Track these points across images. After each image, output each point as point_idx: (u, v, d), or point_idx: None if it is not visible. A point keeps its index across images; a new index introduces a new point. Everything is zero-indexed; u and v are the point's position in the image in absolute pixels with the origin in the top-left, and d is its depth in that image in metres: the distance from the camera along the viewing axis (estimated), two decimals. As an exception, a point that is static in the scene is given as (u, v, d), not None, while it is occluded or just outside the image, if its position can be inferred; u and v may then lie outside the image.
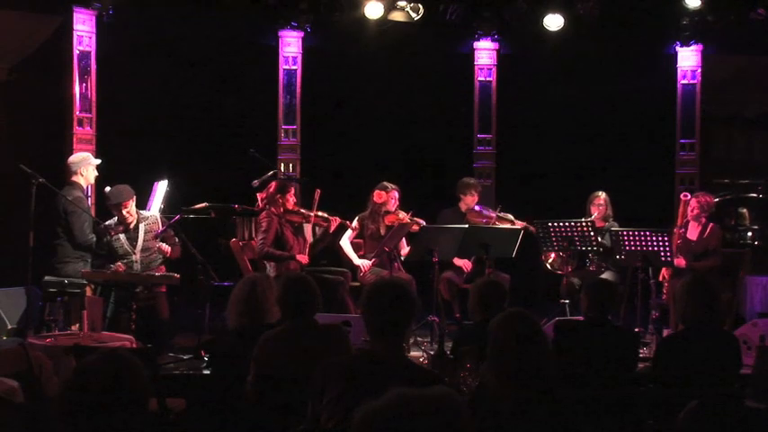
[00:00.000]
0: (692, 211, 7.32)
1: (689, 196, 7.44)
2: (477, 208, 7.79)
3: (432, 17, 8.97)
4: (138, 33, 8.52)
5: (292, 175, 8.88)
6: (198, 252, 6.58)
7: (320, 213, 7.21)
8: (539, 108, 9.45)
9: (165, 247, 6.79)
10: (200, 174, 8.42)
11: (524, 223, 7.59)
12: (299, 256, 7.09)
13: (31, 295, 6.59)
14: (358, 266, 7.46)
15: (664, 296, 7.17)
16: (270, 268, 7.15)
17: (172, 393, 4.65)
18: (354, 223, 7.58)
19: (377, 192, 7.55)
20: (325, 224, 7.26)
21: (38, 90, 8.10)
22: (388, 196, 7.53)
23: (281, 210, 7.16)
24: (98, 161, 7.05)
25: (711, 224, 7.44)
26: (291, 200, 7.23)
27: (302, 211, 7.24)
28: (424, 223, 7.48)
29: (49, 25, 8.20)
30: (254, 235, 7.46)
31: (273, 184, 7.33)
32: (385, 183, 7.60)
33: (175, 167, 7.68)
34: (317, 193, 7.22)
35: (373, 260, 7.42)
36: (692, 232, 7.36)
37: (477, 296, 4.87)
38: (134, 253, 6.74)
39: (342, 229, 7.50)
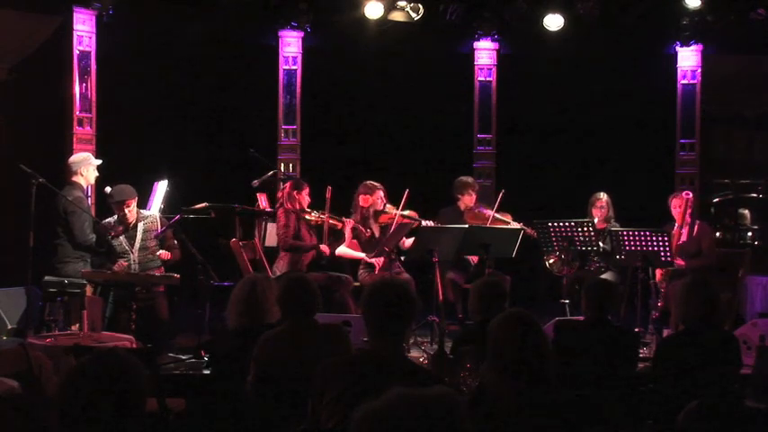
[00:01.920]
0: (675, 208, 7.34)
1: (690, 194, 7.42)
2: (477, 208, 7.79)
3: (432, 17, 8.98)
4: (138, 33, 8.52)
5: (292, 174, 8.88)
6: (198, 252, 6.59)
7: (333, 216, 7.24)
8: (539, 108, 9.45)
9: (165, 253, 6.80)
10: (200, 174, 8.41)
11: (521, 224, 7.56)
12: (321, 247, 7.16)
13: (31, 295, 6.59)
14: (368, 262, 7.43)
15: (660, 302, 7.14)
16: (282, 264, 7.17)
17: (172, 393, 4.65)
18: (347, 232, 7.52)
19: (362, 196, 7.50)
20: (340, 225, 7.29)
21: (38, 90, 8.10)
22: (373, 198, 7.50)
23: (298, 207, 7.18)
24: (99, 161, 7.04)
25: (698, 222, 7.49)
26: (306, 199, 7.25)
27: (317, 214, 7.25)
28: (416, 216, 7.46)
29: (49, 25, 8.20)
30: (258, 236, 7.49)
31: (289, 183, 7.36)
32: (367, 183, 7.53)
33: (175, 167, 7.68)
34: (329, 190, 7.22)
35: (382, 258, 7.38)
36: (682, 233, 7.38)
37: (478, 296, 4.86)
38: (132, 252, 6.74)
39: (355, 231, 7.50)
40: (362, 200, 7.50)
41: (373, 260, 7.43)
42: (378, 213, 7.51)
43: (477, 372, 3.74)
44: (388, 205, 7.52)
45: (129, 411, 2.37)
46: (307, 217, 7.24)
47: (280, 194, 7.37)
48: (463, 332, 5.80)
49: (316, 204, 7.37)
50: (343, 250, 7.52)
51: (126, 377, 2.39)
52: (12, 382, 4.03)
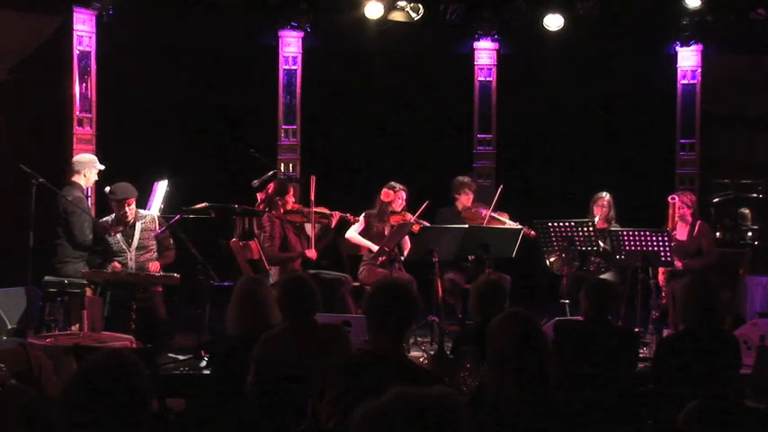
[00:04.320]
0: (678, 210, 7.35)
1: (676, 199, 7.44)
2: (472, 207, 7.80)
3: (432, 17, 8.97)
4: (138, 33, 8.52)
5: (292, 174, 8.89)
6: (198, 252, 6.58)
7: (319, 210, 7.19)
8: (539, 108, 9.45)
9: (155, 265, 6.72)
10: (201, 174, 8.41)
11: (519, 224, 7.55)
12: (306, 252, 7.09)
13: (31, 295, 6.59)
14: (382, 249, 7.42)
15: (663, 300, 7.16)
16: (274, 271, 7.14)
17: (172, 393, 4.65)
18: (361, 219, 7.57)
19: (384, 191, 7.54)
20: (326, 220, 7.25)
21: (38, 90, 8.09)
22: (395, 196, 7.53)
23: (281, 211, 7.15)
24: (102, 167, 7.04)
25: (699, 221, 7.50)
26: (291, 200, 7.22)
27: (302, 210, 7.22)
28: (429, 225, 7.46)
29: (49, 25, 8.20)
30: (256, 236, 7.48)
31: (272, 186, 7.32)
32: (393, 182, 7.59)
33: (175, 167, 7.68)
34: (312, 179, 7.17)
35: (382, 257, 7.39)
36: (681, 232, 7.40)
37: (477, 297, 4.87)
38: (129, 251, 6.73)
39: (342, 224, 7.48)
40: (384, 194, 7.54)
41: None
42: (392, 213, 7.53)
43: (477, 372, 3.74)
44: (408, 214, 7.53)
45: (135, 411, 2.38)
46: (291, 219, 7.19)
47: (263, 195, 7.32)
48: (463, 332, 5.79)
49: (305, 201, 7.34)
50: (353, 236, 7.52)
51: (132, 378, 2.39)
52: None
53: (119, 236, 6.72)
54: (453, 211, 7.89)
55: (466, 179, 8.03)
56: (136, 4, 8.42)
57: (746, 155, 10.04)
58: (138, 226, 6.78)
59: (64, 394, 2.40)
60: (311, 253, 7.11)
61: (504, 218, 7.69)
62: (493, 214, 7.65)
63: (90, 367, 2.42)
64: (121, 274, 6.52)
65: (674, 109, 9.45)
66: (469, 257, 7.74)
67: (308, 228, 7.25)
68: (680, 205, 7.38)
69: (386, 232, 7.49)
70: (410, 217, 7.47)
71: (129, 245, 6.75)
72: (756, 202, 8.95)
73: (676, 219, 7.39)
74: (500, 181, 9.34)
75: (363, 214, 7.59)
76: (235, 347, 4.35)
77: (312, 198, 7.14)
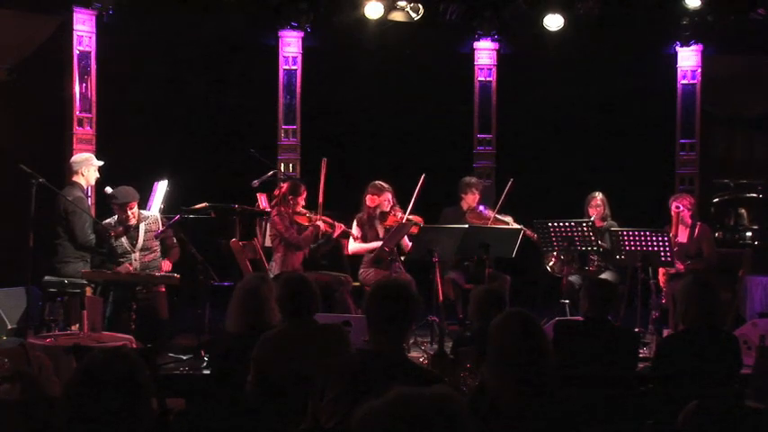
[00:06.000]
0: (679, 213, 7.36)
1: (681, 207, 7.43)
2: (479, 208, 7.80)
3: (432, 17, 8.97)
4: (138, 33, 8.52)
5: (292, 174, 8.88)
6: (198, 252, 6.59)
7: (326, 218, 7.22)
8: (539, 108, 9.45)
9: (166, 265, 6.84)
10: (201, 174, 8.42)
11: (522, 227, 7.54)
12: (319, 224, 7.15)
13: (31, 295, 6.59)
14: (368, 262, 7.43)
15: (663, 299, 7.16)
16: (276, 266, 7.16)
17: (172, 393, 4.65)
18: (354, 226, 7.54)
19: (369, 196, 7.49)
20: (330, 230, 7.26)
21: (38, 90, 8.10)
22: (380, 199, 7.48)
23: (291, 210, 7.17)
24: (100, 163, 7.03)
25: (699, 223, 7.50)
26: (302, 202, 7.23)
27: (309, 215, 7.24)
28: (422, 221, 7.45)
29: (49, 25, 8.20)
30: (258, 236, 7.50)
31: (286, 184, 7.35)
32: (376, 183, 7.53)
33: (175, 167, 7.68)
34: (324, 162, 7.16)
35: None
36: (682, 234, 7.40)
37: (476, 304, 4.89)
38: (134, 252, 6.75)
39: (345, 235, 7.49)
40: (369, 200, 7.49)
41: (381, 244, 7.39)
42: (384, 215, 7.50)
43: (477, 372, 3.74)
44: (397, 208, 7.50)
45: (134, 408, 2.38)
46: (298, 220, 7.22)
47: (276, 192, 7.35)
48: (462, 335, 5.78)
49: (309, 206, 7.35)
50: (355, 246, 7.51)
51: (135, 375, 2.40)
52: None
53: (123, 238, 6.73)
54: (458, 210, 7.89)
55: (473, 180, 8.08)
56: (136, 4, 8.42)
57: (746, 155, 10.04)
58: (142, 227, 6.80)
59: (65, 391, 2.41)
60: (320, 223, 7.17)
61: (508, 220, 7.69)
62: (498, 216, 7.65)
63: (90, 364, 2.43)
64: (122, 274, 6.53)
65: (674, 109, 9.46)
66: (465, 260, 7.75)
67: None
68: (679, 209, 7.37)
69: (380, 234, 7.48)
70: (401, 214, 7.41)
71: (134, 246, 6.76)
72: (756, 202, 8.95)
73: (682, 225, 7.39)
74: (500, 180, 9.36)
75: (355, 221, 7.53)
76: (235, 347, 4.36)
77: (319, 211, 7.16)
